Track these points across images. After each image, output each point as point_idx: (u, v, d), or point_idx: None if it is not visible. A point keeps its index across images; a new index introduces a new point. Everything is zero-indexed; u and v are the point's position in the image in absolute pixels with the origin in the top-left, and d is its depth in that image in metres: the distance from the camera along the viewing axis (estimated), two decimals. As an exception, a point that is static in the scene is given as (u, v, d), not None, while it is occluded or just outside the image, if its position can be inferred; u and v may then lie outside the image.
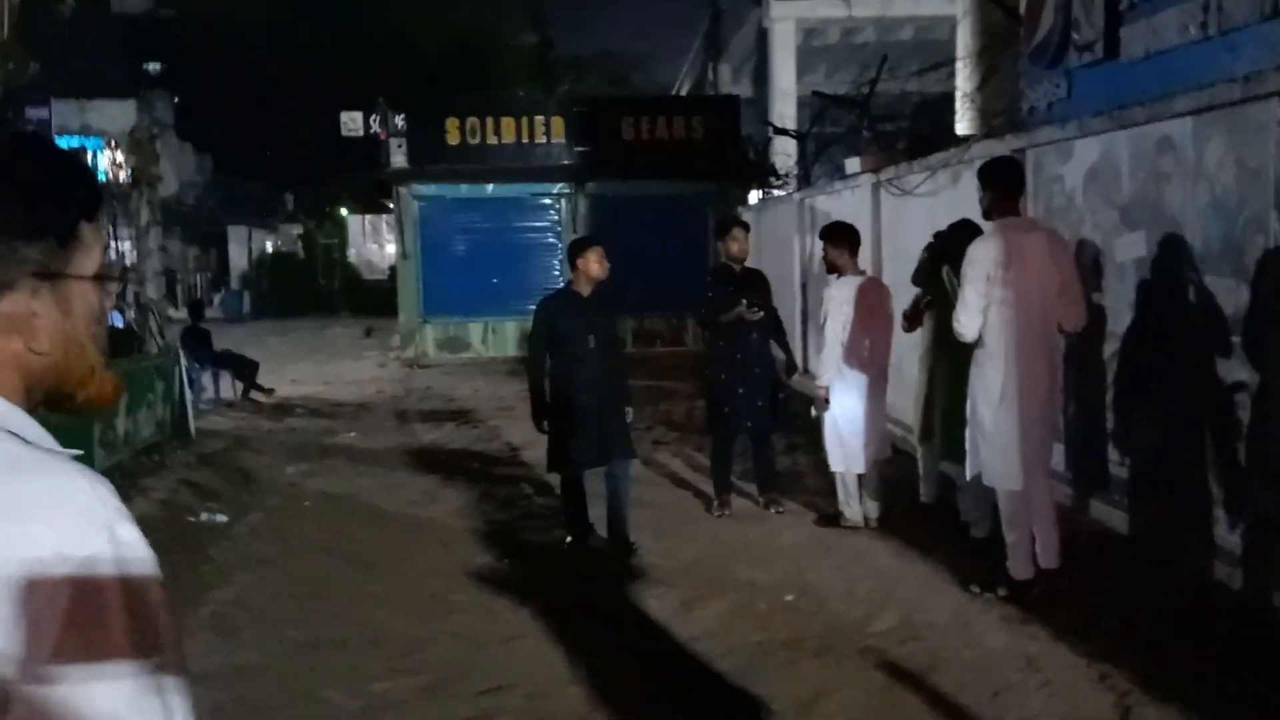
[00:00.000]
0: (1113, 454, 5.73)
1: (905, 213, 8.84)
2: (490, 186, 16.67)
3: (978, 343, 4.95)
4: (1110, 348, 5.72)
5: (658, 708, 3.98)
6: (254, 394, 12.83)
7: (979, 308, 4.86)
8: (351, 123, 19.09)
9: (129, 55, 36.31)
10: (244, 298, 30.35)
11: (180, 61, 37.66)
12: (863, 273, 6.60)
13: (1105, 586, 5.00)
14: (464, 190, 16.68)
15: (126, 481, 6.92)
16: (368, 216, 32.67)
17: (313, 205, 32.31)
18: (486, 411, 11.78)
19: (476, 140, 16.41)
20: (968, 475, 5.28)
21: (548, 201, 16.88)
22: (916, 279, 6.41)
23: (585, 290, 5.92)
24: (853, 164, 9.78)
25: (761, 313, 6.77)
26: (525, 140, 16.53)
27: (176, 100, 38.35)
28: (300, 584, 5.68)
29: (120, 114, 33.11)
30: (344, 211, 32.43)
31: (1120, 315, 5.58)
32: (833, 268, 6.47)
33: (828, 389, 6.32)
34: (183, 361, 7.92)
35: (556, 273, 16.81)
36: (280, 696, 4.23)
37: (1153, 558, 5.22)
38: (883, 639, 4.60)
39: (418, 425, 11.05)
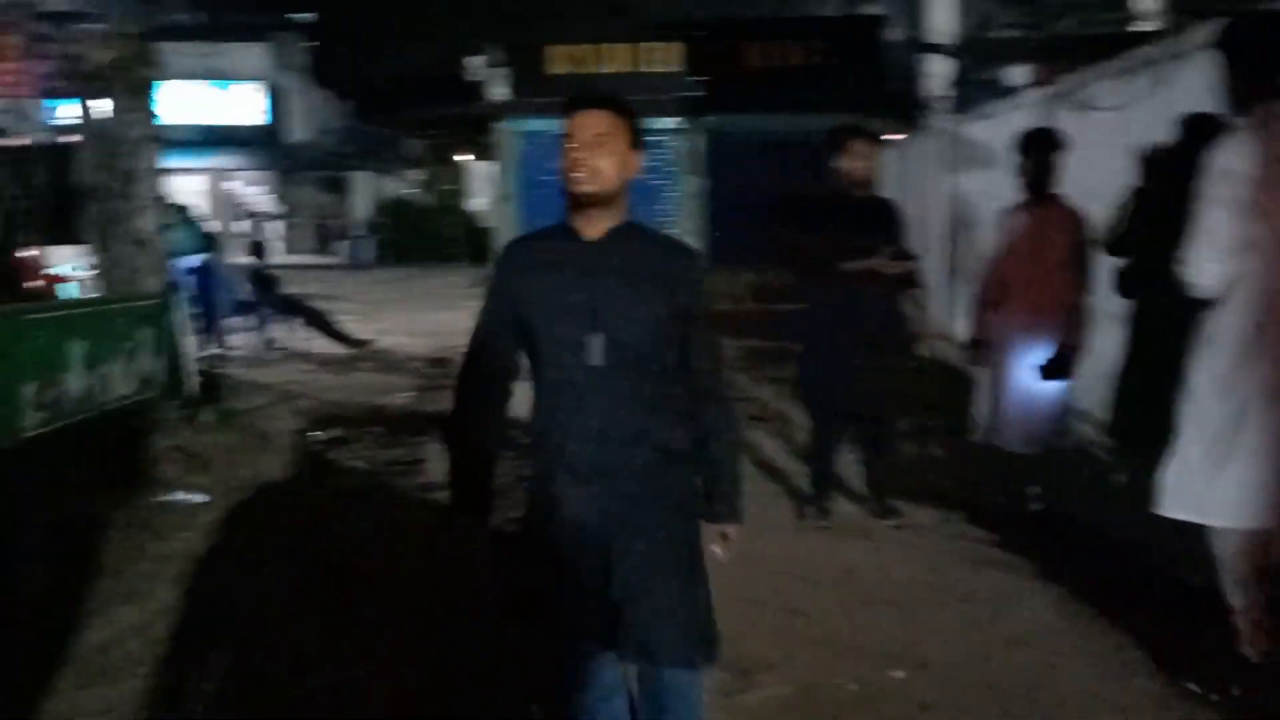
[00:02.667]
0: None
1: (1087, 136, 6.82)
2: (597, 120, 15.01)
3: (1212, 305, 3.12)
4: None
5: None
6: (345, 347, 11.74)
7: (1226, 245, 3.01)
8: (475, 67, 17.75)
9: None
10: (364, 244, 29.68)
11: (320, 5, 37.32)
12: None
13: None
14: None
15: (81, 450, 5.63)
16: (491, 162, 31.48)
17: (433, 150, 31.35)
18: (570, 372, 10.27)
19: (584, 70, 14.79)
20: (1162, 508, 3.37)
21: (659, 138, 15.14)
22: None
23: (590, 229, 2.42)
24: (1017, 73, 7.74)
25: (912, 266, 5.01)
26: (637, 69, 14.79)
27: (314, 45, 38.05)
28: (211, 616, 4.21)
29: (252, 57, 32.95)
30: (467, 156, 31.35)
31: None
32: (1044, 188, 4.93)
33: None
34: (183, 307, 6.61)
35: (665, 218, 15.16)
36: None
37: None
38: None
39: (487, 386, 9.61)
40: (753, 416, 7.75)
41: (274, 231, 33.11)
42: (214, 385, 8.68)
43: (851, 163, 4.92)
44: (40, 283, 9.69)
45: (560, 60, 14.74)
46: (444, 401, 8.81)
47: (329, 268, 28.03)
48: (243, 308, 11.36)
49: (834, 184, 4.99)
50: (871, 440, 5.26)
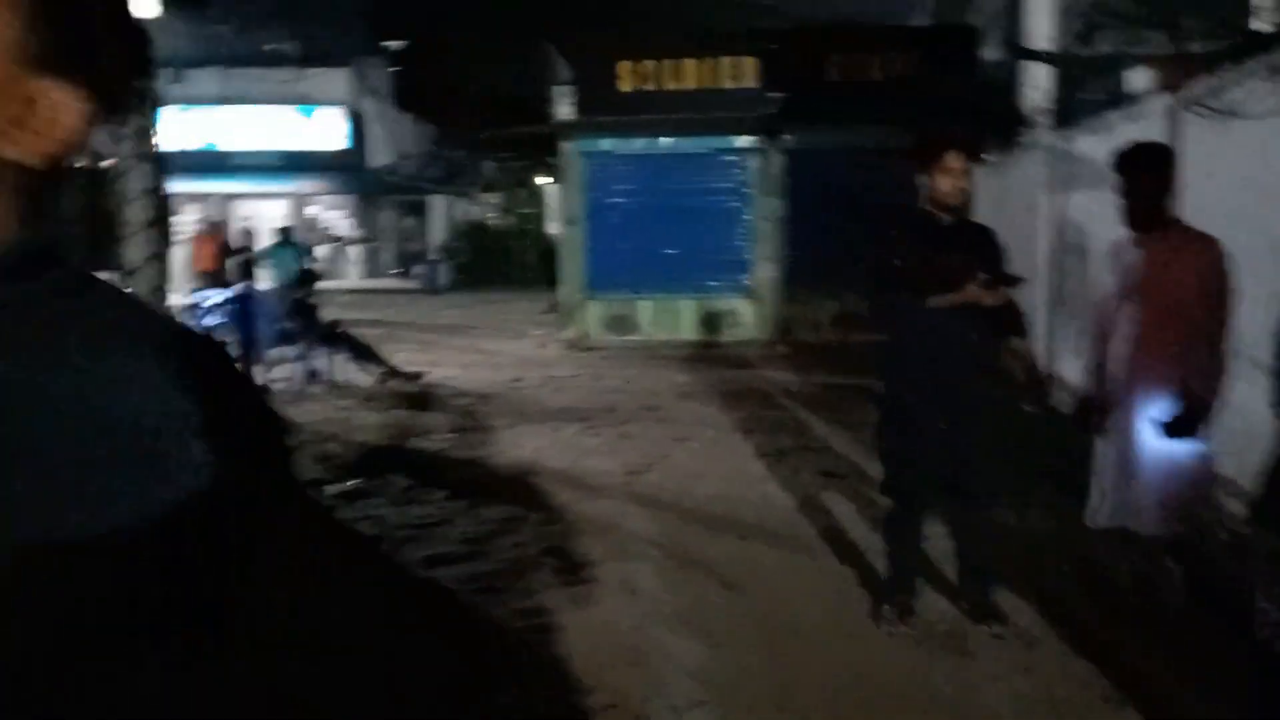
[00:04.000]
0: None
1: (1228, 150, 5.69)
2: (668, 140, 14.11)
3: None
4: None
5: None
6: (391, 382, 10.97)
7: None
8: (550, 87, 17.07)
9: (350, 24, 36.14)
10: (440, 269, 29.25)
11: (402, 29, 37.35)
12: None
13: None
14: (638, 145, 14.18)
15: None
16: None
17: (512, 172, 30.84)
18: (626, 411, 9.35)
19: (654, 86, 13.91)
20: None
21: (734, 157, 14.16)
22: None
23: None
24: (1138, 77, 6.64)
25: (1009, 291, 4.03)
26: (710, 85, 13.85)
27: (395, 70, 38.04)
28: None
29: (335, 82, 32.98)
30: (546, 179, 30.79)
31: None
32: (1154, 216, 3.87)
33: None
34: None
35: (740, 242, 14.18)
36: None
37: None
38: None
39: (533, 426, 8.76)
40: (823, 472, 6.74)
41: (354, 255, 33.05)
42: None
43: (944, 180, 3.96)
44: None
45: (628, 76, 13.88)
46: (480, 446, 8.01)
47: (402, 292, 27.70)
48: (285, 338, 10.70)
49: (921, 203, 4.06)
50: (964, 516, 4.23)
